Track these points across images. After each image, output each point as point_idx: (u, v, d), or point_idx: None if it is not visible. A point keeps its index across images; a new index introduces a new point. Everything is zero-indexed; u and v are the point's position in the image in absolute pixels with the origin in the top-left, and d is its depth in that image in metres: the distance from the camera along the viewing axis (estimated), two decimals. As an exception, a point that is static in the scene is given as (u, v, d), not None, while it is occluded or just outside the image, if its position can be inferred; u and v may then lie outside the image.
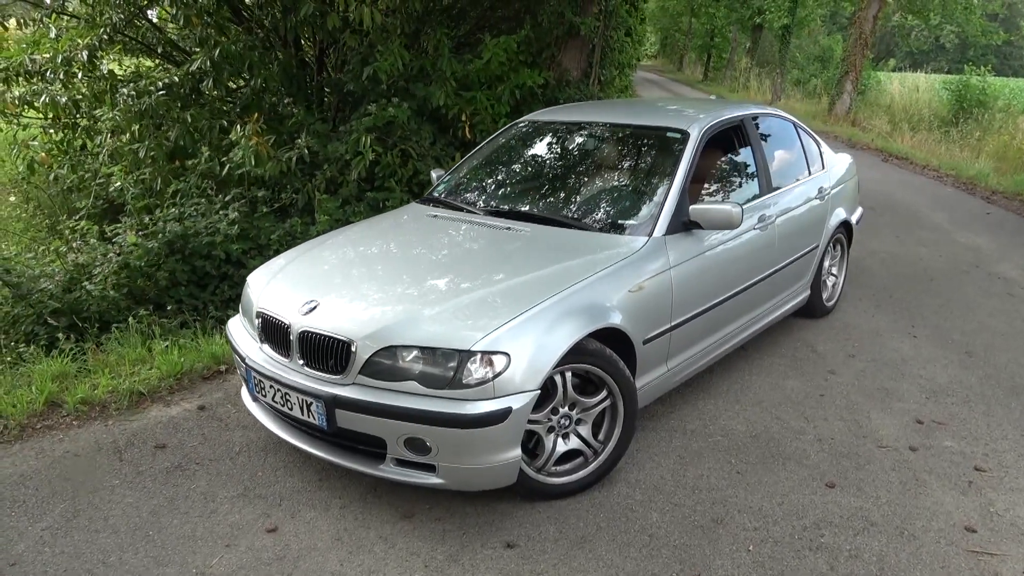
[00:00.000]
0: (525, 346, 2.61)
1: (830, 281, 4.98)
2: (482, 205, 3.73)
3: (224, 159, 6.49)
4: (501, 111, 7.42)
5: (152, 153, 6.63)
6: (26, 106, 6.69)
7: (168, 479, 3.05)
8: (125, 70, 7.60)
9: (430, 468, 2.64)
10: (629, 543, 2.66)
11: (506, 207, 3.67)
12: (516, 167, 4.07)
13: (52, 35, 6.95)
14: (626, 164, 3.78)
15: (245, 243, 5.86)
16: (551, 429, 2.86)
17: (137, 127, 6.65)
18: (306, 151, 6.53)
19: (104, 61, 7.04)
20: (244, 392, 3.35)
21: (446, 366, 2.56)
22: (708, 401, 3.75)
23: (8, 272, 5.14)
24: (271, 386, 2.87)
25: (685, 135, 3.65)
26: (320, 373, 2.76)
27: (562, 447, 2.91)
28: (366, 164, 6.51)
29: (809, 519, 2.81)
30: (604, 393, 2.92)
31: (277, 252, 6.05)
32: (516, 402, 2.57)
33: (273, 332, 2.94)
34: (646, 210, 3.38)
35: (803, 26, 27.04)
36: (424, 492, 2.91)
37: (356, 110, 7.17)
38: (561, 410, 2.86)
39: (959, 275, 5.99)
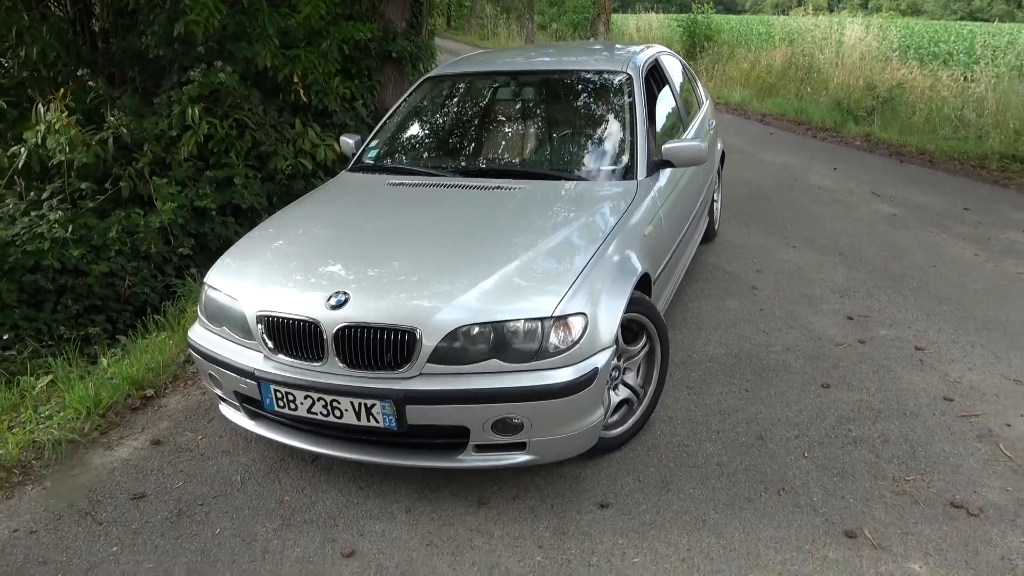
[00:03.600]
0: (596, 302, 2.53)
1: (716, 207, 5.39)
2: (443, 167, 3.48)
3: (16, 148, 5.34)
4: (331, 69, 6.90)
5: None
6: None
7: (179, 530, 2.55)
8: None
9: (519, 447, 2.50)
10: (707, 476, 2.75)
11: (475, 166, 3.47)
12: (457, 124, 3.84)
13: None
14: (580, 111, 3.73)
15: (80, 247, 4.91)
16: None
17: None
18: (124, 131, 5.59)
19: None
20: (228, 411, 2.89)
21: (528, 337, 2.41)
22: (674, 332, 3.92)
23: None
24: (307, 396, 2.49)
25: (628, 77, 3.68)
26: (367, 372, 2.44)
27: (615, 399, 2.89)
28: (199, 139, 5.72)
29: (831, 419, 3.10)
30: (644, 339, 2.94)
31: (120, 252, 5.17)
32: (599, 360, 2.50)
33: (292, 335, 2.53)
34: (623, 155, 3.38)
35: (541, -29, 28.10)
36: (486, 474, 2.75)
37: (165, 79, 6.23)
38: (613, 362, 2.83)
39: (787, 190, 6.79)
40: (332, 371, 2.49)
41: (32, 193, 5.21)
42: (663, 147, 3.40)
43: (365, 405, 2.42)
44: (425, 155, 3.67)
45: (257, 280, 2.72)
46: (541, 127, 3.72)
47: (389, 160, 3.64)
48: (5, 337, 4.40)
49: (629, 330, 2.91)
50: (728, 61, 17.54)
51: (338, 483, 2.77)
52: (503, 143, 3.67)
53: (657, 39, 22.22)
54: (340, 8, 7.22)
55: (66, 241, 4.82)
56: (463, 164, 3.52)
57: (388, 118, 3.94)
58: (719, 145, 5.19)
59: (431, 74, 4.11)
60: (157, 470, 2.90)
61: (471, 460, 2.51)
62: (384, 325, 2.41)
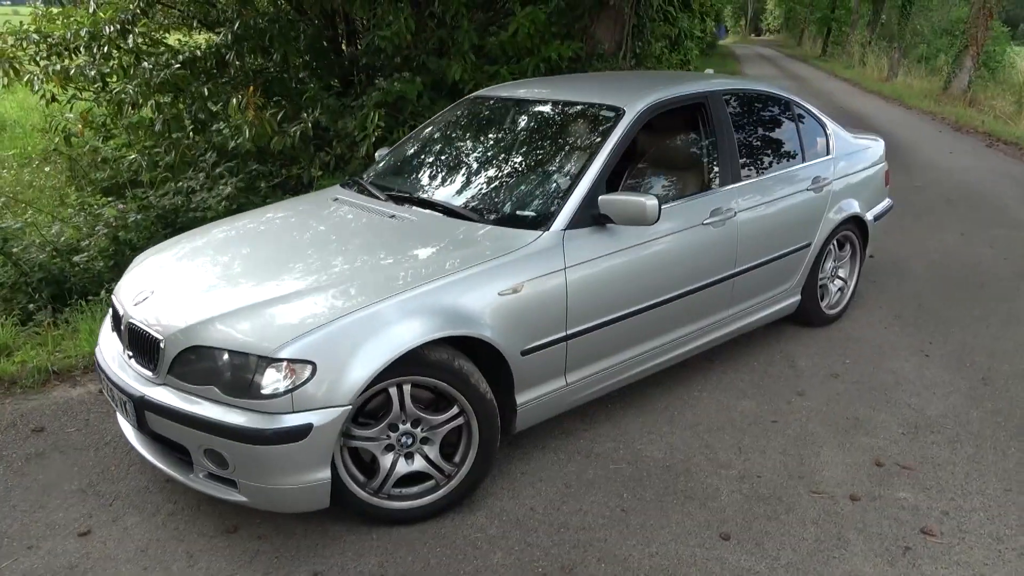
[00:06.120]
0: (337, 354, 2.28)
1: (834, 286, 4.31)
2: (388, 189, 3.39)
3: (225, 132, 6.47)
4: (524, 86, 7.00)
5: (173, 131, 6.67)
6: (66, 80, 6.66)
7: (24, 467, 2.94)
8: (182, 43, 7.54)
9: (232, 483, 2.38)
10: (450, 587, 2.31)
11: (406, 192, 3.32)
12: (438, 148, 3.69)
13: (91, 9, 6.93)
14: (547, 146, 3.32)
15: (235, 219, 5.77)
16: (389, 447, 2.52)
17: (154, 100, 6.68)
18: (310, 126, 6.39)
19: (134, 33, 6.97)
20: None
21: (245, 372, 2.28)
22: (636, 419, 3.28)
23: (5, 241, 5.25)
24: (102, 377, 2.69)
25: (619, 113, 3.16)
26: (143, 370, 2.54)
27: (404, 467, 2.56)
28: (371, 141, 6.29)
29: (678, 578, 2.35)
30: (456, 410, 2.55)
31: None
32: (319, 418, 2.25)
33: (114, 320, 2.76)
34: (549, 200, 2.94)
35: (928, -4, 24.66)
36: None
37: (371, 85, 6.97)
38: (402, 427, 2.51)
39: (1018, 281, 5.10)
40: (124, 359, 2.64)
41: (216, 170, 6.25)
42: (599, 199, 2.87)
43: (122, 400, 2.53)
44: (384, 175, 3.60)
45: (132, 267, 2.99)
46: (497, 160, 3.37)
47: (370, 176, 3.65)
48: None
49: (443, 396, 2.55)
50: None
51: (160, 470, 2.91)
52: (449, 172, 3.41)
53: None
54: (555, 27, 7.29)
55: (222, 213, 5.71)
56: (397, 188, 3.37)
57: (407, 137, 3.94)
58: (846, 210, 4.08)
59: (469, 96, 3.99)
60: (75, 413, 3.35)
61: (199, 483, 2.45)
62: (142, 330, 2.49)
